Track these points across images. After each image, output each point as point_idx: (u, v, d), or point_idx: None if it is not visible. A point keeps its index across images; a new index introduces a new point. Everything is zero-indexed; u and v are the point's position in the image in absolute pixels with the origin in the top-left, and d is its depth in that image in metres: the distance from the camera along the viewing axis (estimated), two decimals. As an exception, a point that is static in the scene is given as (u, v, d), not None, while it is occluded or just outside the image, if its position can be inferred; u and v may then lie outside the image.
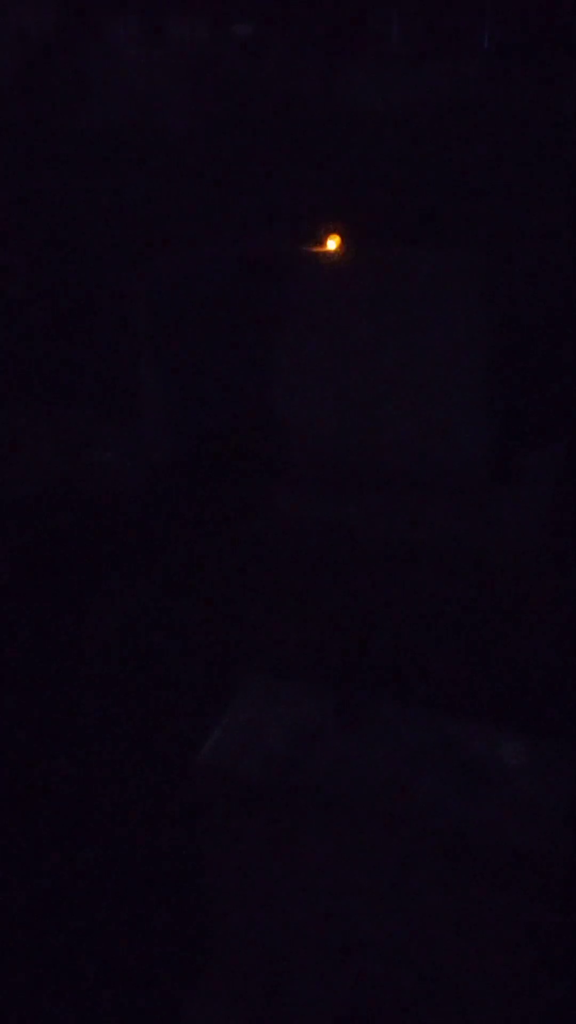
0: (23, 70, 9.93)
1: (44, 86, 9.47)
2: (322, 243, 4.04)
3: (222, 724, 1.81)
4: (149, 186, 7.04)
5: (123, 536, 3.40)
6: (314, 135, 8.26)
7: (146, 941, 2.08)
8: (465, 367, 3.59)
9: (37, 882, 2.22)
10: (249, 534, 3.41)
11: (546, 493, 3.65)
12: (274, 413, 3.74)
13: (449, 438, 3.64)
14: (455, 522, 3.51)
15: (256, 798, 1.76)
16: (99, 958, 2.06)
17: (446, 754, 1.79)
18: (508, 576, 3.12)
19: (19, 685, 2.73)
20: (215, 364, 4.06)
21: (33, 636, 2.90)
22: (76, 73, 9.53)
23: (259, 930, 1.89)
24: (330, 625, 2.86)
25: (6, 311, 4.65)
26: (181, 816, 2.23)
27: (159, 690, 2.64)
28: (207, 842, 1.82)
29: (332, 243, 4.07)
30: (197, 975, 1.95)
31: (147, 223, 6.06)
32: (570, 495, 3.63)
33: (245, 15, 10.30)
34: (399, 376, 3.65)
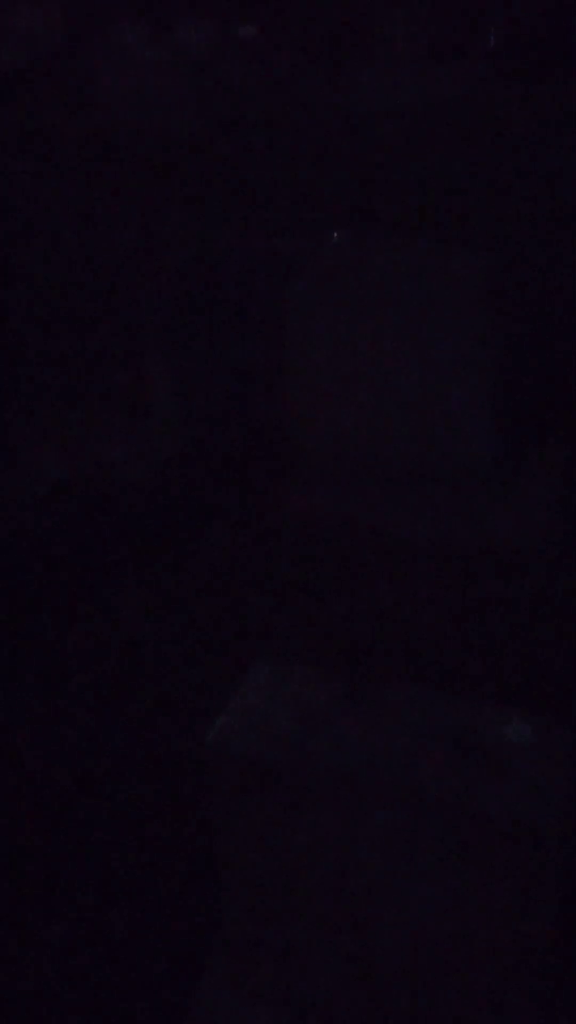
0: (30, 71, 10.00)
1: (51, 86, 9.54)
2: (329, 241, 4.09)
3: (231, 707, 1.84)
4: (156, 185, 7.08)
5: (132, 531, 3.44)
6: (320, 135, 8.30)
7: (158, 922, 2.11)
8: (471, 363, 3.63)
9: (47, 865, 2.26)
10: (257, 528, 3.45)
11: (551, 488, 3.68)
12: (281, 410, 3.78)
13: (455, 434, 3.67)
14: (461, 517, 3.55)
15: (265, 779, 1.79)
16: (111, 941, 2.10)
17: (451, 734, 1.82)
18: (514, 566, 3.16)
19: (32, 671, 2.78)
20: (223, 361, 4.10)
21: (44, 627, 2.95)
22: (82, 74, 9.60)
23: (269, 909, 1.92)
24: (337, 613, 2.90)
25: (14, 309, 4.70)
26: (191, 797, 2.27)
27: (170, 675, 2.69)
28: (217, 823, 1.86)
29: (339, 241, 4.11)
30: (208, 955, 1.99)
31: (154, 222, 6.10)
32: (574, 489, 3.66)
33: (250, 17, 10.33)
34: (405, 373, 3.68)
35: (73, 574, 3.22)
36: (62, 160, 7.80)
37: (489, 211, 6.69)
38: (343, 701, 1.87)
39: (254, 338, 4.08)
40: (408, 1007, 1.92)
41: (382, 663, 2.68)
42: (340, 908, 1.88)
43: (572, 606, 3.03)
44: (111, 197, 6.77)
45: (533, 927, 1.76)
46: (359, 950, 1.91)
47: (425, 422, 3.67)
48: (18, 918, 2.18)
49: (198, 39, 10.09)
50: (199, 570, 3.20)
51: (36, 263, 5.40)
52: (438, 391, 3.64)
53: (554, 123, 9.01)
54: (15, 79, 9.85)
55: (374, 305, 3.69)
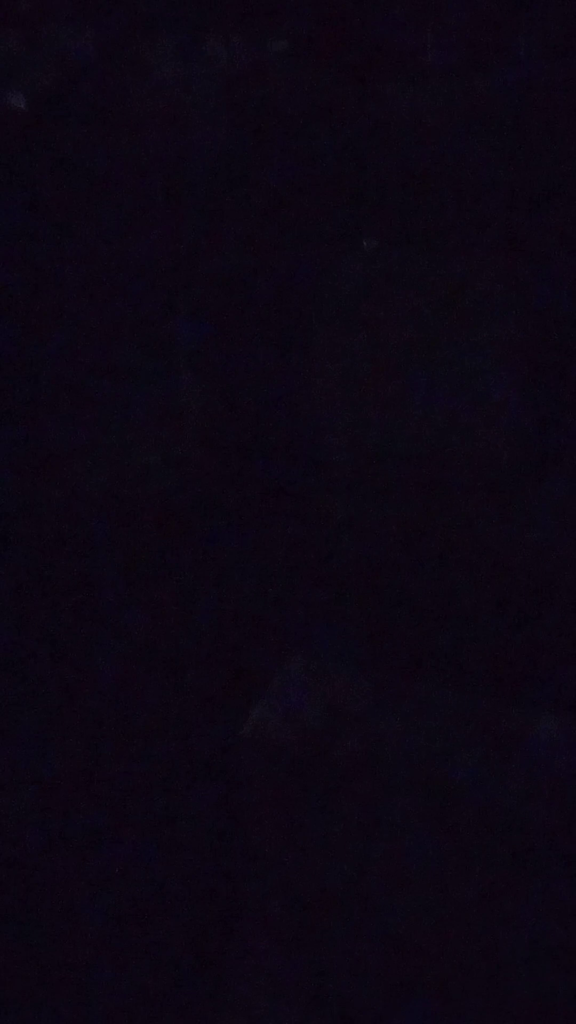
0: (63, 90, 10.14)
1: (84, 105, 9.67)
2: (358, 250, 4.13)
3: (265, 700, 1.88)
4: (188, 197, 7.17)
5: (165, 534, 3.50)
6: (350, 147, 8.36)
7: (190, 907, 2.15)
8: (499, 368, 3.65)
9: (79, 853, 2.30)
10: (288, 531, 3.49)
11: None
12: (310, 416, 3.82)
13: (484, 438, 3.70)
14: (490, 520, 3.57)
15: (297, 771, 1.83)
16: (145, 923, 2.13)
17: (481, 730, 1.84)
18: (543, 567, 3.17)
19: (71, 669, 2.84)
20: (253, 369, 4.15)
21: (82, 627, 3.02)
22: (114, 91, 9.72)
23: (299, 901, 1.95)
24: (369, 612, 2.93)
25: (49, 320, 4.79)
26: (226, 787, 2.30)
27: (205, 671, 2.74)
28: (249, 814, 1.89)
29: (368, 250, 4.15)
30: (238, 940, 2.02)
31: (186, 235, 6.19)
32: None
33: (280, 32, 10.39)
34: (434, 379, 3.71)
35: (110, 576, 3.28)
36: (96, 175, 7.91)
37: (520, 221, 6.70)
38: (374, 697, 1.90)
39: (283, 346, 4.13)
40: (433, 1004, 1.94)
41: (413, 661, 2.70)
42: (369, 902, 1.91)
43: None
44: (144, 210, 6.86)
45: (564, 921, 1.77)
46: (387, 945, 1.93)
47: (453, 427, 3.70)
48: (49, 905, 2.22)
49: (228, 54, 10.19)
50: (233, 572, 3.25)
51: (72, 276, 5.50)
52: (466, 396, 3.67)
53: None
54: (49, 98, 9.99)
55: (402, 312, 3.73)
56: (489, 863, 1.78)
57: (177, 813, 2.39)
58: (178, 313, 4.14)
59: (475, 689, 1.98)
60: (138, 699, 2.77)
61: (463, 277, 3.76)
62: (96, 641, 3.00)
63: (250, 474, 3.87)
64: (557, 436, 3.82)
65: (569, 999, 1.82)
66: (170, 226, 6.69)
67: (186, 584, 3.26)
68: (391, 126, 9.14)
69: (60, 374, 4.60)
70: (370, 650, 2.86)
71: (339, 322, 3.78)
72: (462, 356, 3.67)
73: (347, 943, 1.96)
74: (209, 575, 3.32)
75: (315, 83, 9.97)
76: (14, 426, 3.94)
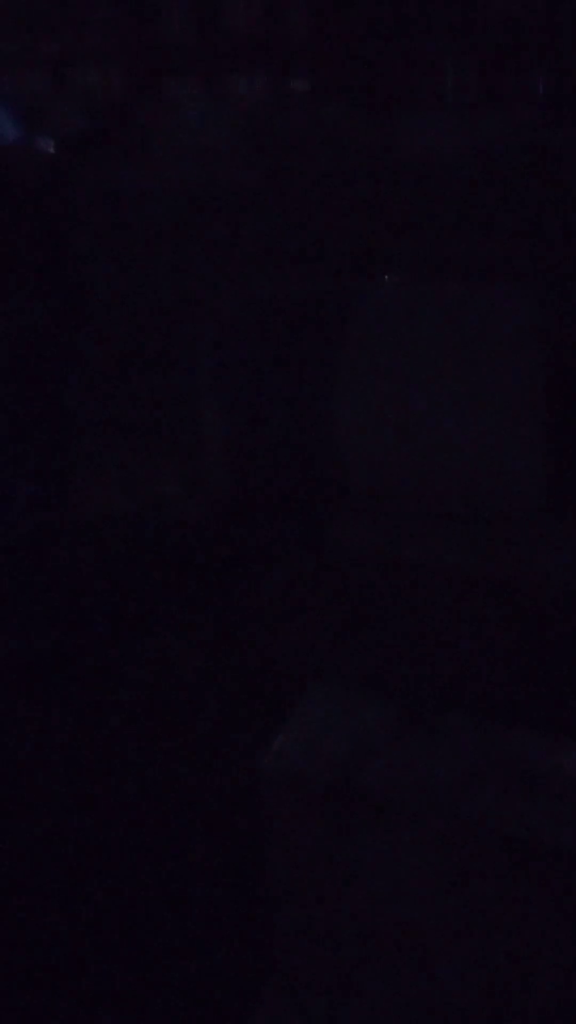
0: (92, 130, 10.39)
1: (113, 143, 9.90)
2: (380, 283, 4.16)
3: (286, 730, 1.86)
4: (210, 231, 7.28)
5: (185, 564, 3.51)
6: (370, 181, 8.47)
7: (209, 950, 2.12)
8: (521, 401, 3.65)
9: (98, 889, 2.28)
10: (309, 561, 3.49)
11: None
12: (332, 447, 3.83)
13: (505, 471, 3.68)
14: (511, 553, 3.55)
15: (320, 803, 1.80)
16: (160, 968, 2.11)
17: (507, 763, 1.81)
18: (564, 599, 3.16)
19: (88, 699, 2.85)
20: (274, 399, 4.17)
21: (99, 655, 3.02)
22: (141, 130, 9.94)
23: (324, 937, 1.92)
24: (393, 643, 2.93)
25: (72, 350, 4.86)
26: (246, 819, 2.28)
27: (225, 700, 2.73)
28: (271, 846, 1.87)
29: (390, 283, 4.18)
30: (260, 979, 1.99)
31: (210, 266, 6.27)
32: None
33: (301, 71, 10.63)
34: (455, 410, 3.71)
35: (128, 604, 3.29)
36: (124, 211, 8.06)
37: (538, 253, 6.74)
38: (399, 727, 1.88)
39: (305, 377, 4.15)
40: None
41: (437, 691, 2.69)
42: (396, 938, 1.87)
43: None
44: (168, 243, 6.97)
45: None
46: (415, 982, 1.89)
47: (475, 459, 3.69)
48: (54, 943, 2.20)
49: (250, 93, 10.41)
50: (253, 602, 3.26)
51: (98, 306, 5.59)
52: (488, 428, 3.66)
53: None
54: (82, 138, 10.24)
55: (424, 344, 3.75)
56: (519, 899, 1.74)
57: (196, 847, 2.37)
58: (200, 343, 4.19)
59: (502, 719, 1.95)
60: (155, 729, 2.76)
61: (485, 308, 3.78)
62: (112, 669, 3.00)
63: (271, 503, 3.88)
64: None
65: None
66: (194, 258, 6.79)
67: (205, 613, 3.26)
68: (410, 161, 9.26)
69: (83, 399, 4.64)
70: (394, 679, 2.84)
71: (361, 353, 3.80)
72: (485, 387, 3.67)
73: (374, 983, 1.92)
74: (229, 604, 3.32)
75: (335, 121, 10.15)
76: (33, 453, 3.98)
